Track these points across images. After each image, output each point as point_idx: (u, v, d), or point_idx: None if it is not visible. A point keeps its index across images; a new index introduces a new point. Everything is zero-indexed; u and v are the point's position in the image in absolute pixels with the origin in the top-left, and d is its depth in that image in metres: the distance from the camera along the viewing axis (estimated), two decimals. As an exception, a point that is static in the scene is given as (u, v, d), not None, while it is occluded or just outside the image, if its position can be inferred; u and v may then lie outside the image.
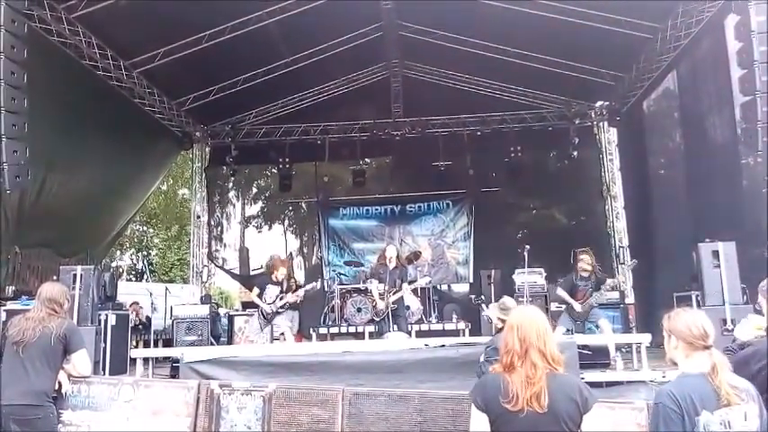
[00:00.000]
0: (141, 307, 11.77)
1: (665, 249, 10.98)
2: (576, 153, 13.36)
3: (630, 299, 11.89)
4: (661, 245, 11.24)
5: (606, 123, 13.56)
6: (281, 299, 8.06)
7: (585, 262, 7.84)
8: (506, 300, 4.98)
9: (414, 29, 11.15)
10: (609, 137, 13.74)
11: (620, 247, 13.10)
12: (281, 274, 8.16)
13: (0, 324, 6.60)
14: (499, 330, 4.96)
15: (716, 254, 6.94)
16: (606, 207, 13.61)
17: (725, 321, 6.42)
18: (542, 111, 13.57)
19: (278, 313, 8.11)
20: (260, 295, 8.11)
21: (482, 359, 4.68)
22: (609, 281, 7.97)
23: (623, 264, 12.36)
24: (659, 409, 2.42)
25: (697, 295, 7.25)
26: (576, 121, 13.31)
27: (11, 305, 7.32)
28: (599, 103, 13.49)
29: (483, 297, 9.51)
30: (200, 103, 12.51)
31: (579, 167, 13.77)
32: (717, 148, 8.88)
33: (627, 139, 13.00)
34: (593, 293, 7.71)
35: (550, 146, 14.31)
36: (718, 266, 6.87)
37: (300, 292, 8.40)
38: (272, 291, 8.08)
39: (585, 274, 7.82)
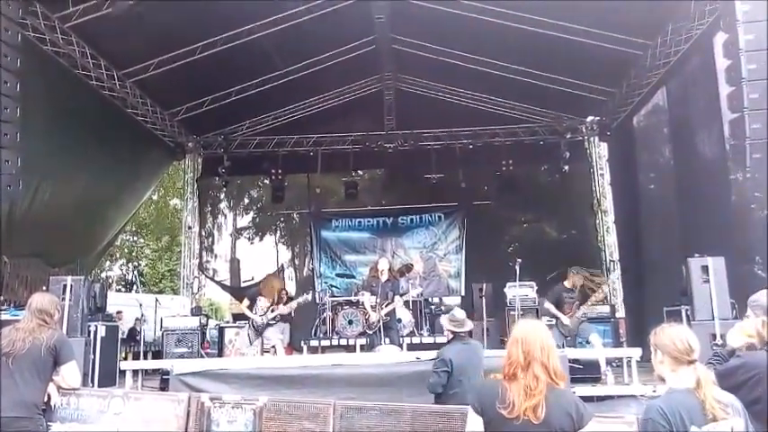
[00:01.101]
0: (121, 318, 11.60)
1: (655, 263, 11.04)
2: (567, 167, 13.46)
3: (621, 313, 11.94)
4: (651, 259, 11.31)
5: (597, 138, 13.70)
6: (272, 311, 8.03)
7: (573, 280, 7.90)
8: (455, 312, 5.13)
9: (407, 42, 11.25)
10: (599, 151, 13.88)
11: (610, 261, 13.18)
12: (275, 290, 8.16)
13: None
14: (448, 342, 5.14)
15: (705, 269, 6.97)
16: (597, 221, 13.71)
17: (714, 336, 6.44)
18: (534, 125, 13.66)
19: (269, 325, 8.08)
20: (250, 307, 8.08)
21: (432, 369, 4.87)
22: (596, 293, 8.00)
23: (609, 277, 12.44)
24: (648, 424, 2.44)
25: (687, 310, 7.28)
26: (567, 136, 13.41)
27: (-1, 316, 7.25)
28: (590, 118, 13.62)
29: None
30: (193, 113, 12.53)
31: (570, 182, 13.87)
32: (706, 164, 8.96)
33: (617, 153, 13.11)
34: (581, 306, 7.74)
35: (542, 160, 14.41)
36: (708, 281, 6.89)
37: (293, 305, 8.37)
38: (262, 302, 8.06)
39: (572, 286, 7.87)
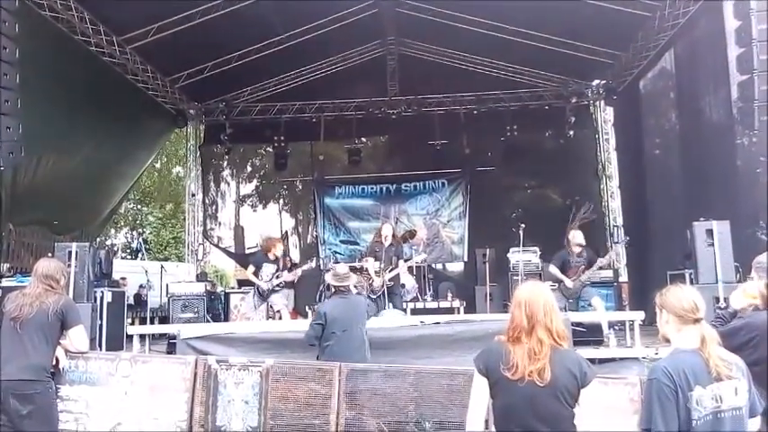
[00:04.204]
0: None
1: (659, 228, 11.03)
2: (572, 132, 13.36)
3: (624, 277, 11.99)
4: (655, 224, 11.30)
5: (603, 102, 13.54)
6: (277, 277, 8.08)
7: (578, 237, 7.88)
8: (337, 267, 5.53)
9: (410, 5, 11.03)
10: (605, 116, 13.75)
11: (614, 226, 13.16)
12: (278, 251, 8.17)
13: (-3, 301, 6.63)
14: (333, 294, 5.42)
15: (710, 232, 6.96)
16: (601, 186, 13.65)
17: (717, 299, 6.46)
18: (539, 89, 13.51)
19: (274, 291, 8.13)
20: (256, 273, 8.11)
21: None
22: (601, 259, 8.00)
23: (617, 242, 12.43)
24: (653, 384, 2.44)
25: (690, 273, 7.29)
26: (573, 100, 13.29)
27: (6, 282, 7.31)
28: (596, 82, 13.42)
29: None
30: (195, 80, 12.40)
31: (575, 147, 13.77)
32: (712, 129, 8.87)
33: (623, 118, 12.99)
34: (586, 271, 7.75)
35: (546, 125, 14.28)
36: (712, 245, 6.89)
37: (298, 272, 8.40)
38: (268, 269, 8.08)
39: (578, 250, 7.85)
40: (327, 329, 5.03)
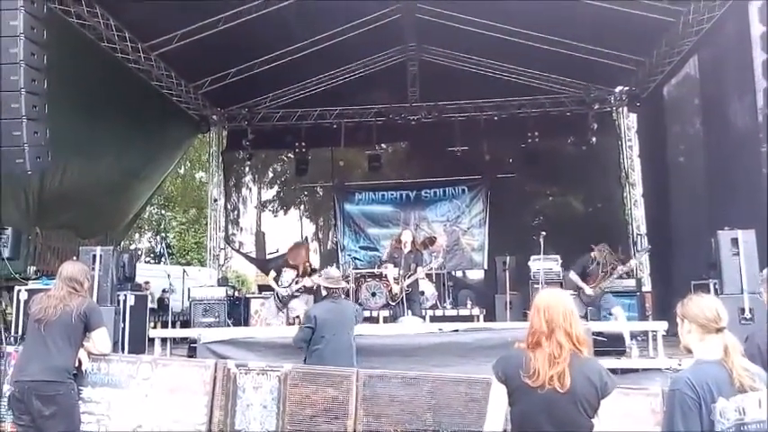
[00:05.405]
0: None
1: (683, 237, 10.86)
2: (594, 139, 13.21)
3: (647, 287, 11.82)
4: (679, 233, 11.13)
5: (626, 109, 13.40)
6: (296, 282, 8.12)
7: (600, 254, 7.82)
8: (331, 270, 5.60)
9: (431, 11, 11.05)
10: (628, 123, 13.58)
11: (637, 234, 12.99)
12: (300, 259, 8.23)
13: (22, 303, 6.76)
14: (324, 298, 5.48)
15: (735, 242, 6.82)
16: (624, 194, 13.49)
17: (743, 310, 6.34)
18: (561, 96, 13.40)
19: (294, 296, 8.17)
20: (276, 278, 8.16)
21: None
22: (621, 267, 7.91)
23: (639, 251, 12.27)
24: (676, 395, 2.39)
25: (715, 283, 7.16)
26: (595, 107, 13.15)
27: (32, 285, 7.43)
28: (619, 89, 13.31)
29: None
30: (217, 86, 12.54)
31: (597, 154, 13.62)
32: (737, 136, 8.72)
33: (647, 125, 12.83)
34: (606, 278, 7.67)
35: (568, 132, 14.12)
36: (737, 254, 6.74)
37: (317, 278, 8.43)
38: (288, 274, 8.13)
39: (599, 258, 7.80)
40: (317, 333, 5.05)
